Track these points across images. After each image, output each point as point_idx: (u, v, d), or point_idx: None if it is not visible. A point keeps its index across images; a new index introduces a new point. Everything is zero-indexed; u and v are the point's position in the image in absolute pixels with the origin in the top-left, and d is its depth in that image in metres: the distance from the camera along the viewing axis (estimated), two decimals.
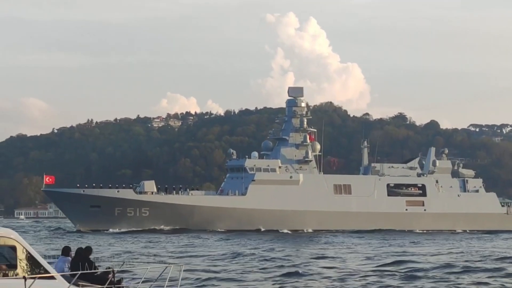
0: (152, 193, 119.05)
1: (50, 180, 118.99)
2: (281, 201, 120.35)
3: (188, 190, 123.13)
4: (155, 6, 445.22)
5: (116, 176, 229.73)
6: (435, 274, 48.42)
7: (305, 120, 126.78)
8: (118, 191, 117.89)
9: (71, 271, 22.54)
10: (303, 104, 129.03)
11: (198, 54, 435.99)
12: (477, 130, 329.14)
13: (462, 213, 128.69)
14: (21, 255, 20.81)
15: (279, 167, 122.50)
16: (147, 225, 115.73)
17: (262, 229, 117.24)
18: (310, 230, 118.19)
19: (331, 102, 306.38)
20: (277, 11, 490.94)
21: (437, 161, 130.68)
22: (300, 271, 49.52)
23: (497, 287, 42.86)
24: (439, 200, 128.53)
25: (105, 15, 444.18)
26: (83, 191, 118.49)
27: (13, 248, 20.79)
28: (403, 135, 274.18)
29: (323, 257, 62.84)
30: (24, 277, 20.41)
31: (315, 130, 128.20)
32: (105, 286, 22.23)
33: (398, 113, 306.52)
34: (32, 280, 20.45)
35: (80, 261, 23.22)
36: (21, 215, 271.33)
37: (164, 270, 23.32)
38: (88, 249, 23.90)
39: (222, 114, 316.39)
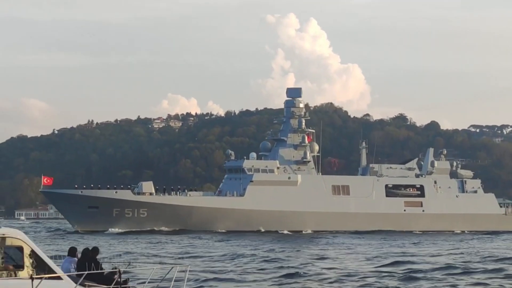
0: (150, 194, 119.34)
1: (48, 181, 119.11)
2: (279, 202, 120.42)
3: (186, 191, 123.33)
4: (155, 6, 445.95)
5: (117, 177, 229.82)
6: (434, 275, 48.64)
7: (304, 121, 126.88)
8: (116, 192, 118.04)
9: (78, 272, 22.69)
10: (301, 105, 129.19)
11: (199, 55, 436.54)
12: (478, 130, 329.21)
13: (461, 213, 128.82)
14: (28, 255, 21.04)
15: (278, 168, 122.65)
16: (145, 226, 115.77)
17: (262, 230, 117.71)
18: (308, 231, 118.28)
19: (331, 103, 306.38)
20: (277, 11, 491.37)
21: (436, 162, 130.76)
22: (300, 272, 49.87)
23: None
24: (438, 201, 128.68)
25: (105, 15, 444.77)
26: (81, 192, 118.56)
27: (20, 249, 21.02)
28: (404, 135, 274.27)
29: (323, 258, 63.21)
30: (31, 277, 20.63)
31: (314, 131, 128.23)
32: (111, 286, 22.37)
33: (399, 113, 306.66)
34: (39, 280, 20.65)
35: (86, 262, 23.39)
36: (22, 216, 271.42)
37: (170, 271, 23.50)
38: (95, 250, 24.11)
39: (223, 115, 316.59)
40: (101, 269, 23.42)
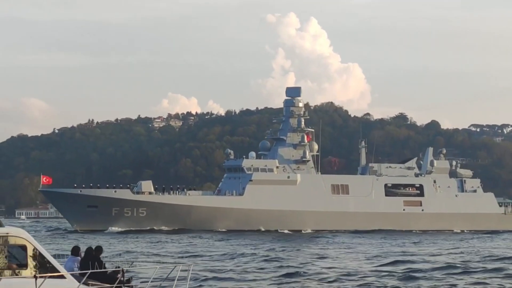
0: (149, 193, 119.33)
1: (47, 180, 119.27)
2: (278, 201, 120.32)
3: (185, 190, 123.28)
4: (156, 6, 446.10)
5: (117, 176, 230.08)
6: (434, 275, 48.74)
7: (303, 120, 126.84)
8: (115, 191, 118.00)
9: (81, 271, 22.76)
10: (300, 104, 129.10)
11: (199, 54, 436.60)
12: (478, 130, 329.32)
13: (460, 213, 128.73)
14: (31, 254, 21.11)
15: (277, 167, 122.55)
16: (144, 225, 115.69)
17: (263, 229, 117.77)
18: (308, 230, 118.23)
19: (332, 102, 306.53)
20: (277, 11, 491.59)
21: (435, 161, 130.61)
22: (300, 272, 50.04)
23: None
24: (437, 200, 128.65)
25: (105, 15, 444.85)
26: (80, 191, 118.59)
27: (24, 248, 21.08)
28: (404, 135, 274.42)
29: (323, 257, 63.42)
30: (34, 276, 20.71)
31: (313, 130, 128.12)
32: (114, 285, 22.45)
33: (399, 113, 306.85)
34: (43, 279, 20.73)
35: (90, 261, 23.53)
36: (22, 215, 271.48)
37: (172, 270, 23.63)
38: (99, 249, 24.28)
39: (223, 114, 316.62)
40: (104, 268, 23.47)
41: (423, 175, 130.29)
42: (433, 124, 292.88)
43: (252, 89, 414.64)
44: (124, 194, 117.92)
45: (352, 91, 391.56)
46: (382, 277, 47.30)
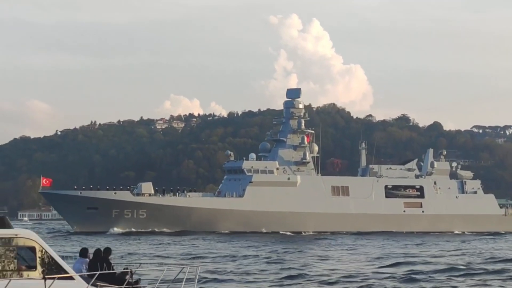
0: (150, 195, 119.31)
1: (47, 182, 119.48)
2: (278, 203, 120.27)
3: (185, 191, 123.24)
4: (157, 7, 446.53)
5: (119, 178, 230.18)
6: (436, 277, 48.85)
7: (303, 122, 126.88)
8: (115, 193, 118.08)
9: (89, 272, 22.89)
10: (300, 106, 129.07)
11: (201, 56, 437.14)
12: (480, 131, 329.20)
13: (460, 214, 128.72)
14: (40, 255, 21.28)
15: (277, 168, 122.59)
16: (144, 227, 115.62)
17: (264, 231, 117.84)
18: (309, 232, 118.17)
19: (334, 104, 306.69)
20: (280, 12, 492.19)
21: (435, 163, 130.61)
22: (302, 274, 50.42)
23: None
24: (437, 202, 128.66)
25: (106, 16, 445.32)
26: (80, 193, 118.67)
27: (32, 249, 21.22)
28: (406, 136, 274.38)
29: (325, 259, 63.71)
30: (43, 278, 20.88)
31: (313, 131, 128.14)
32: (123, 286, 22.60)
33: (401, 114, 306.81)
34: (52, 280, 20.88)
35: (98, 262, 23.74)
36: (25, 217, 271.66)
37: (180, 271, 23.82)
38: (108, 250, 24.39)
39: (225, 115, 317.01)
40: (113, 269, 23.62)
41: (423, 176, 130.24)
42: (436, 126, 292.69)
43: (255, 91, 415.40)
44: (124, 195, 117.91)
45: (354, 92, 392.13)
46: (383, 279, 47.40)
